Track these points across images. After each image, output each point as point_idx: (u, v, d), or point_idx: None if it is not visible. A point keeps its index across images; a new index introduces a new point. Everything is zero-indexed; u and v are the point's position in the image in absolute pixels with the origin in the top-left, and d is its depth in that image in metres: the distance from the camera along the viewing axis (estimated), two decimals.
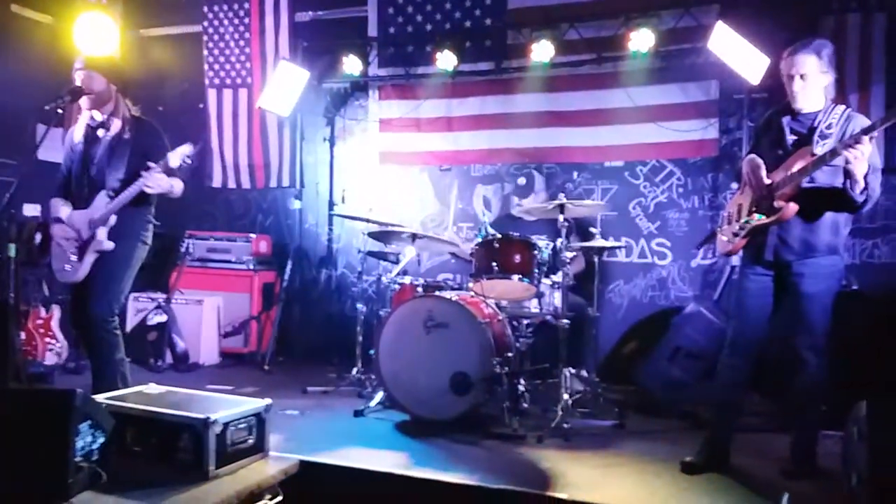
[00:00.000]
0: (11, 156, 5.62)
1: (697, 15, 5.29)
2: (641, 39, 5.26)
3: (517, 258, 4.30)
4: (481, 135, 6.13)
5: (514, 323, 4.46)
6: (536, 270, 4.33)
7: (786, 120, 3.34)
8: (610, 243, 4.99)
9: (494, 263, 4.26)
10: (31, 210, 5.51)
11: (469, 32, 6.02)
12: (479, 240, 4.45)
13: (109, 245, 3.67)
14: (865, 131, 2.92)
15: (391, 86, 6.41)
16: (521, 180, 5.52)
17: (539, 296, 4.48)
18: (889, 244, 5.06)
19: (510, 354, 4.15)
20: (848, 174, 3.03)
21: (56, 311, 5.46)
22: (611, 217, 5.65)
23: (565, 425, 3.94)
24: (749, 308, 3.38)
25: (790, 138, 3.30)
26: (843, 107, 3.27)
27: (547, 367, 4.46)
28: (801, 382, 3.30)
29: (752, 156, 3.37)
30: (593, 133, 5.80)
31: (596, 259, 4.89)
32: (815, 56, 3.21)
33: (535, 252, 4.34)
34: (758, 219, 3.26)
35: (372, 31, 6.33)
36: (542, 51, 5.53)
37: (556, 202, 4.26)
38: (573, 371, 4.45)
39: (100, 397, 2.80)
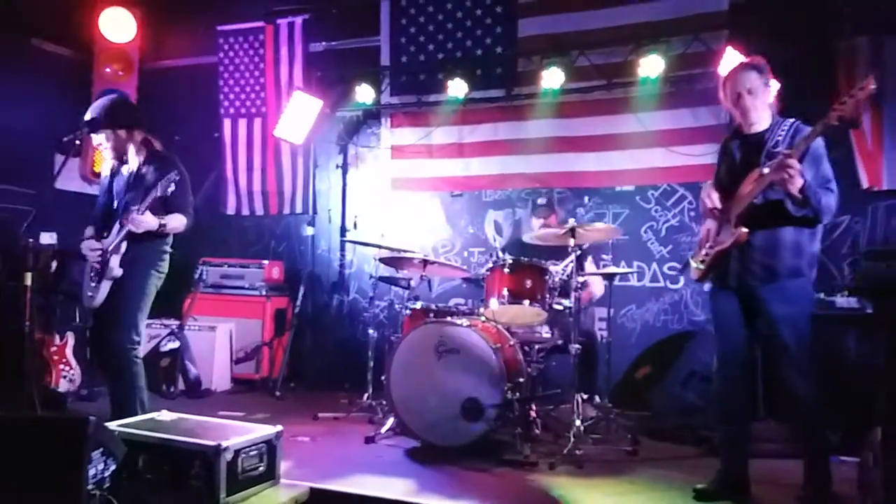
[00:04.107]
0: (30, 185, 5.72)
1: (707, 40, 5.32)
2: (651, 65, 5.29)
3: (528, 283, 4.31)
4: (492, 161, 6.17)
5: (526, 348, 4.46)
6: (548, 295, 4.33)
7: (735, 144, 3.38)
8: (621, 269, 4.97)
9: (506, 289, 4.28)
10: (48, 238, 5.59)
11: (480, 60, 6.08)
12: (491, 265, 4.47)
13: (119, 272, 3.71)
14: (787, 155, 2.97)
15: (403, 113, 6.47)
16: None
17: (550, 321, 4.48)
18: None
19: (522, 380, 4.14)
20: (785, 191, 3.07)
21: (70, 339, 5.51)
22: (622, 241, 5.63)
23: (578, 452, 3.92)
24: (726, 327, 3.40)
25: (740, 162, 3.33)
26: (792, 120, 3.28)
27: (559, 393, 4.44)
28: (796, 406, 3.25)
29: (705, 183, 3.47)
30: (604, 158, 5.82)
31: (608, 283, 4.88)
32: (755, 71, 3.26)
33: (547, 277, 4.35)
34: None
35: (384, 60, 6.42)
36: (553, 77, 5.57)
37: (568, 226, 4.26)
38: (585, 397, 4.43)
39: (112, 424, 2.83)
